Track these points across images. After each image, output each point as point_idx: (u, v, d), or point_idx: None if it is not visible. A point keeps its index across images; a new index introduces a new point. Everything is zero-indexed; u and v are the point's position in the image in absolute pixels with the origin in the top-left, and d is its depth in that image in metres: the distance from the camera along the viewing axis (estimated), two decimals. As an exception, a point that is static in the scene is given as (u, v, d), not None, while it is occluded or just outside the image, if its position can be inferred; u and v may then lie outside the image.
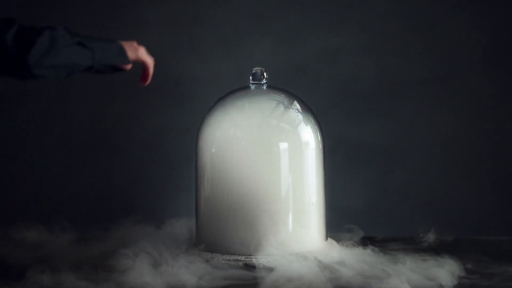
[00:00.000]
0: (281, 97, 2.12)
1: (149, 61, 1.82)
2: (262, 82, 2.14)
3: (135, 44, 1.79)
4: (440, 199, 2.53)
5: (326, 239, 2.13)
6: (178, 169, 2.55)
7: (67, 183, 2.58)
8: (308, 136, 2.08)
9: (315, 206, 2.07)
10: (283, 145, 2.03)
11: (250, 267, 1.96)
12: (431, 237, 2.24)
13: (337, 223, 2.25)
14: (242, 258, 1.98)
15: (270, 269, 1.91)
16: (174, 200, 2.54)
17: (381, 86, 2.56)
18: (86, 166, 2.59)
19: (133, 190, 2.55)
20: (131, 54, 1.76)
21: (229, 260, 1.99)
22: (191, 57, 2.51)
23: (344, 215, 2.45)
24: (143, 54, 1.80)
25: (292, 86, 2.24)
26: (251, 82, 2.13)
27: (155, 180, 2.58)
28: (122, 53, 1.75)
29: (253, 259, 1.97)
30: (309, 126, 2.09)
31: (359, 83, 2.56)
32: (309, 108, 2.13)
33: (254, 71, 2.14)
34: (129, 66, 1.78)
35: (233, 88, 2.16)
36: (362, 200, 2.53)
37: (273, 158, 2.03)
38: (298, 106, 2.11)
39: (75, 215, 2.48)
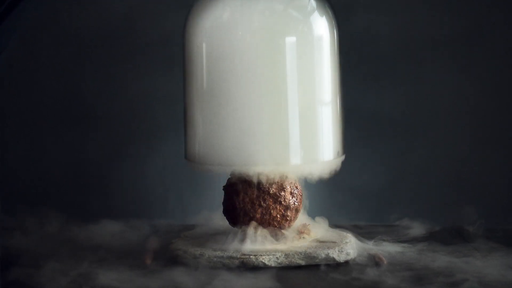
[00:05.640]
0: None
1: None
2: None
3: None
4: (468, 179, 2.44)
5: (343, 152, 1.94)
6: (165, 143, 2.45)
7: (35, 160, 2.48)
8: (323, 30, 1.87)
9: (328, 113, 1.88)
10: (290, 39, 1.82)
11: (247, 266, 1.77)
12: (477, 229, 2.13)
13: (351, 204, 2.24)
14: (238, 255, 1.79)
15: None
16: (161, 183, 2.45)
17: (401, 47, 2.45)
18: (58, 139, 2.49)
19: (112, 169, 2.47)
20: None
21: (222, 257, 1.79)
22: (181, 10, 2.29)
23: (358, 196, 2.39)
24: None
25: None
26: (251, -45, 1.92)
27: (138, 156, 2.48)
28: None
29: (251, 257, 1.77)
30: (324, 17, 1.88)
31: (375, 44, 2.45)
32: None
33: None
34: None
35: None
36: (379, 179, 2.44)
37: (277, 52, 1.81)
38: None
39: (45, 198, 2.41)
